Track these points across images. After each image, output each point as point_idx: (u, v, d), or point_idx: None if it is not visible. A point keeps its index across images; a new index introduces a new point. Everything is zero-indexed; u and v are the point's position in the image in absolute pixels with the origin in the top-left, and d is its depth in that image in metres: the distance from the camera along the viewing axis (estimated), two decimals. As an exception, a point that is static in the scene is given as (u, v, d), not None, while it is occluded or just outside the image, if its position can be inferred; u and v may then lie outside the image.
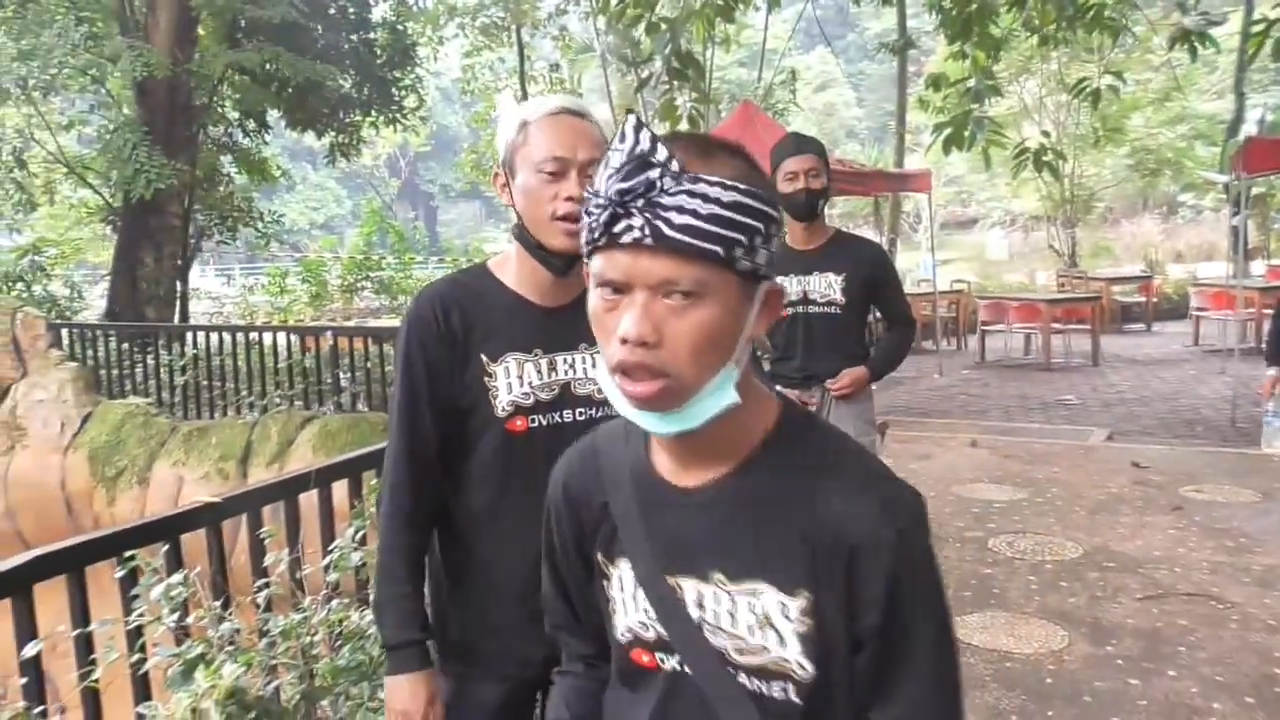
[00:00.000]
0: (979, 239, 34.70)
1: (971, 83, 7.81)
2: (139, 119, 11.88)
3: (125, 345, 10.29)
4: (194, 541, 2.93)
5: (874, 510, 1.09)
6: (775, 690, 1.13)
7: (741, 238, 1.05)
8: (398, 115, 14.54)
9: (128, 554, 2.59)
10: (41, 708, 2.34)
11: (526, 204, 1.86)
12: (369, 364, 8.47)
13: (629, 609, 1.23)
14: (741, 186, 1.05)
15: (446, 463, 1.93)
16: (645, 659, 1.23)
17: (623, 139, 1.07)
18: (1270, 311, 12.75)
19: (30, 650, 2.39)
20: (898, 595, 1.08)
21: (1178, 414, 9.42)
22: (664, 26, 7.58)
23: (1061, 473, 7.25)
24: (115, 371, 10.26)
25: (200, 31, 12.90)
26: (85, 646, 2.55)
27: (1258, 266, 17.63)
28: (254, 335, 9.39)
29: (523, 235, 1.90)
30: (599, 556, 1.27)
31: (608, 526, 1.26)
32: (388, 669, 1.90)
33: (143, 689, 2.64)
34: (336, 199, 52.65)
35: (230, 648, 2.50)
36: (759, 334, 1.12)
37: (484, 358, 1.89)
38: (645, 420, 1.11)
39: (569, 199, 1.81)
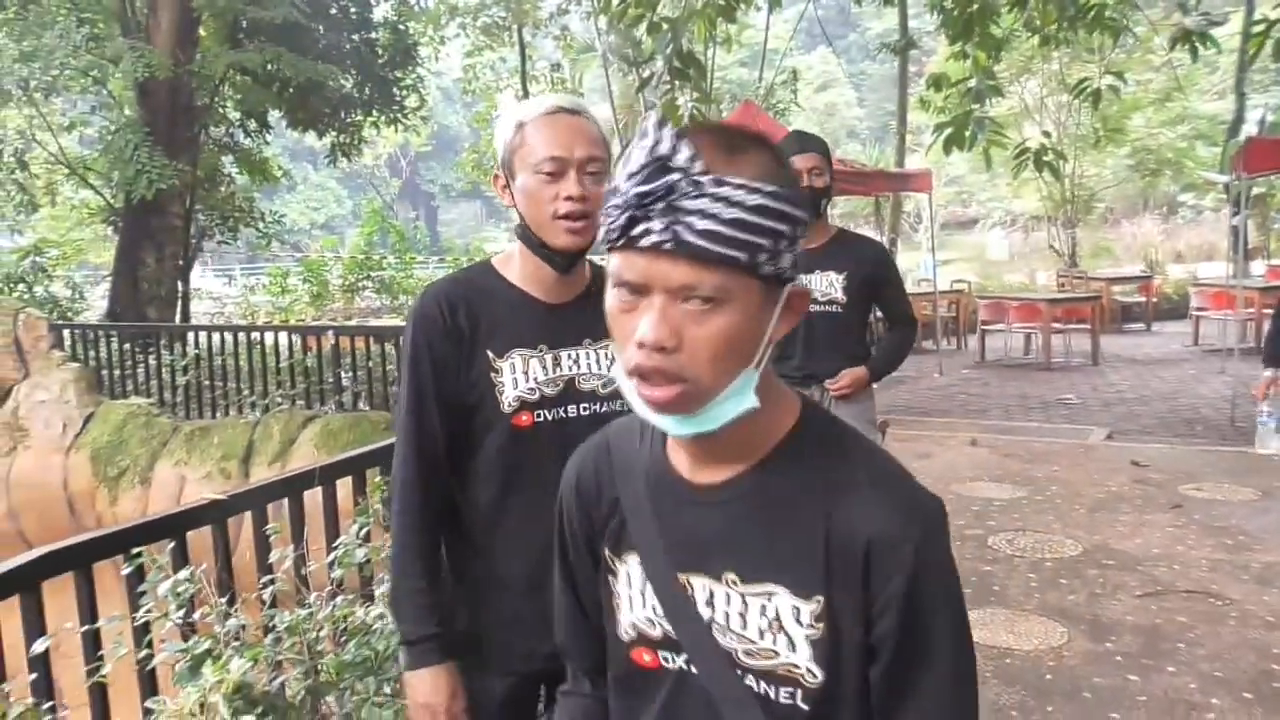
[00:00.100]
0: (979, 239, 34.69)
1: (972, 83, 7.81)
2: (140, 120, 11.91)
3: (127, 346, 10.32)
4: (199, 539, 2.95)
5: (893, 513, 1.07)
6: (783, 695, 1.11)
7: (765, 242, 1.01)
8: (399, 115, 14.56)
9: (134, 551, 2.61)
10: (50, 704, 2.36)
11: (527, 204, 1.88)
12: (370, 363, 8.50)
13: (635, 605, 1.21)
14: (767, 189, 1.01)
15: (453, 459, 1.95)
16: (647, 658, 1.21)
17: (644, 136, 1.03)
18: (1270, 311, 12.83)
19: (39, 647, 2.41)
20: (915, 600, 1.06)
21: (1177, 413, 9.44)
22: (665, 26, 7.59)
23: (1061, 471, 7.27)
24: (117, 372, 10.28)
25: (201, 32, 12.92)
26: (93, 644, 2.57)
27: (1258, 266, 17.64)
28: (255, 335, 9.41)
29: (525, 235, 1.91)
30: (606, 551, 1.26)
31: (616, 521, 1.24)
32: (407, 664, 1.91)
33: (149, 685, 2.66)
34: (337, 199, 52.67)
35: (236, 643, 2.52)
36: (780, 337, 1.09)
37: (490, 354, 1.91)
38: (662, 422, 1.09)
39: (568, 198, 1.83)
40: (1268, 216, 21.04)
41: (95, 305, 14.74)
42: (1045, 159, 8.13)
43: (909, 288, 11.41)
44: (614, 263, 1.06)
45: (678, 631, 1.16)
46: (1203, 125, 24.61)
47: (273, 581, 2.88)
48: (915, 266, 20.69)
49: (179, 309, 13.05)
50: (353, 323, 13.30)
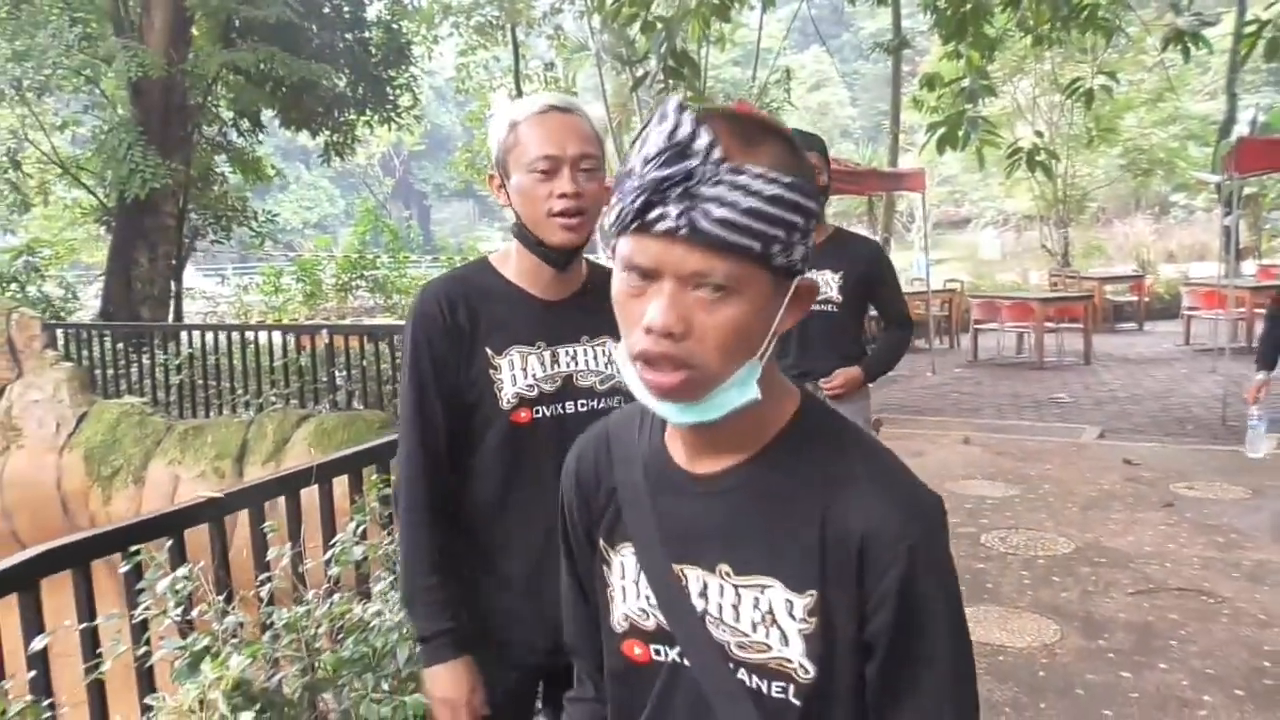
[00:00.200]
0: (972, 238, 34.74)
1: (966, 82, 7.85)
2: (134, 119, 11.90)
3: (120, 345, 10.30)
4: (195, 537, 2.95)
5: (889, 509, 1.06)
6: (775, 690, 1.10)
7: (779, 233, 1.00)
8: (392, 114, 14.54)
9: (133, 549, 2.61)
10: (49, 700, 2.36)
11: (522, 203, 1.90)
12: (364, 362, 8.49)
13: (628, 596, 1.20)
14: (784, 179, 1.00)
15: (453, 457, 1.96)
16: (637, 651, 1.20)
17: (662, 119, 1.01)
18: (1262, 311, 12.86)
19: (38, 644, 2.42)
20: (911, 597, 1.04)
21: (1169, 412, 9.48)
22: (660, 25, 7.61)
23: (1054, 470, 7.30)
24: (110, 371, 10.26)
25: (195, 31, 12.90)
26: (90, 642, 2.57)
27: (1249, 266, 17.68)
28: (249, 334, 9.41)
29: (522, 233, 1.93)
30: (601, 541, 1.25)
31: (613, 510, 1.23)
32: (424, 661, 1.92)
33: (147, 682, 2.67)
34: (330, 198, 52.58)
35: (235, 641, 2.53)
36: (785, 329, 1.09)
37: (489, 351, 1.92)
38: (663, 409, 1.08)
39: (563, 195, 1.85)
40: (1259, 217, 21.10)
41: (88, 305, 14.72)
42: (1038, 159, 8.17)
43: (902, 287, 11.44)
44: (624, 246, 1.04)
45: (671, 623, 1.16)
46: (1194, 125, 24.64)
47: (270, 579, 2.89)
48: (908, 266, 20.69)
49: (172, 308, 13.03)
50: (346, 322, 13.30)
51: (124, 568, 2.64)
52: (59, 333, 10.55)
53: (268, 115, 14.07)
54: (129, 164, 11.17)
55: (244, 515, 3.14)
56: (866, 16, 35.51)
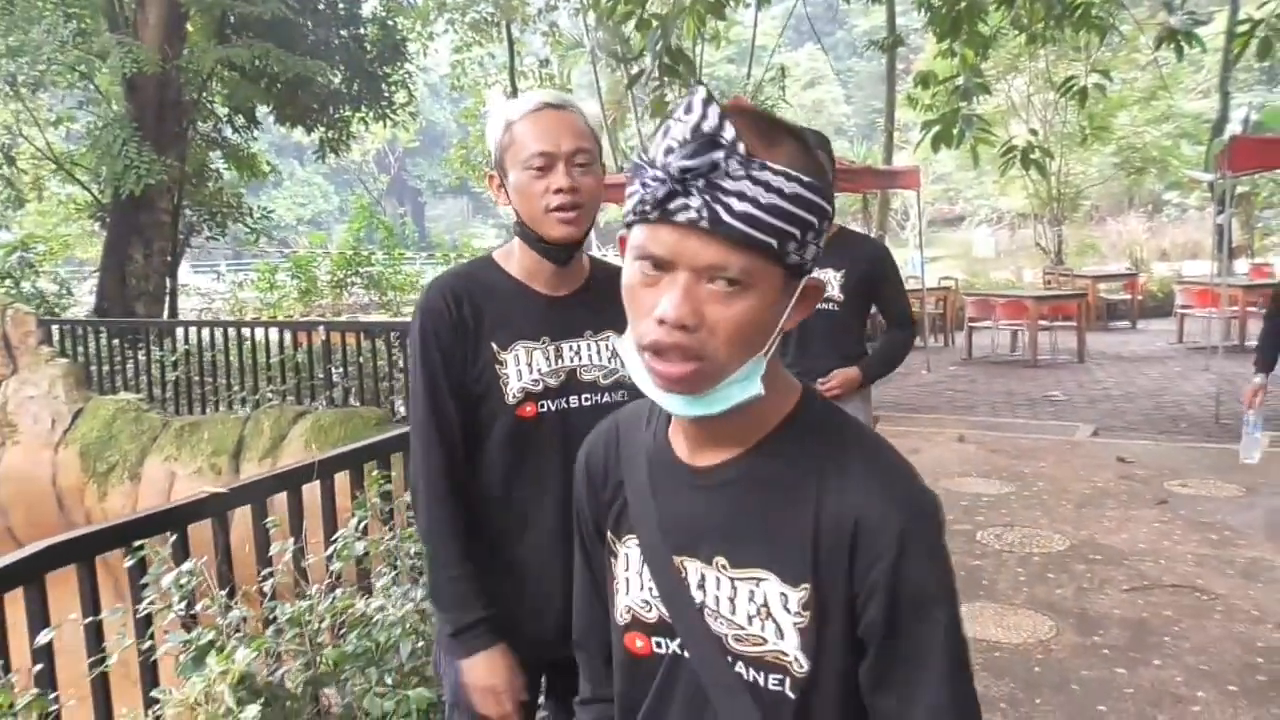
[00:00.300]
0: (966, 236, 34.78)
1: (960, 80, 7.85)
2: (128, 115, 11.89)
3: (115, 341, 10.30)
4: (196, 532, 2.97)
5: (880, 500, 1.06)
6: (771, 682, 1.10)
7: (796, 231, 1.02)
8: (387, 111, 14.55)
9: (136, 543, 2.63)
10: (55, 694, 2.38)
11: (521, 201, 1.92)
12: (361, 359, 8.49)
13: (632, 588, 1.21)
14: (805, 179, 1.02)
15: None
16: (639, 644, 1.21)
17: (688, 111, 1.02)
18: (1254, 309, 12.91)
19: (43, 638, 2.43)
20: (902, 586, 1.04)
21: (1162, 410, 9.51)
22: (655, 23, 7.61)
23: (1048, 467, 7.33)
24: (106, 367, 10.26)
25: (189, 27, 12.90)
26: (95, 636, 2.59)
27: (1241, 264, 17.73)
28: (245, 331, 9.40)
29: (523, 231, 1.96)
30: (609, 533, 1.27)
31: (620, 503, 1.24)
32: (459, 653, 1.91)
33: (150, 677, 2.69)
34: (323, 194, 52.54)
35: (238, 635, 2.55)
36: (791, 327, 1.10)
37: (494, 346, 1.94)
38: (667, 401, 1.08)
39: (559, 190, 1.87)
40: (1252, 215, 21.18)
41: (83, 301, 14.70)
42: (1032, 157, 8.18)
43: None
44: (639, 235, 1.05)
45: (671, 614, 1.16)
46: (1187, 124, 24.72)
47: (272, 574, 2.91)
48: (903, 264, 20.58)
49: (167, 305, 13.02)
50: (343, 319, 13.30)
51: (128, 562, 2.65)
52: (54, 328, 10.55)
53: (263, 111, 14.06)
54: (124, 160, 11.15)
55: (244, 510, 3.15)
56: (861, 14, 35.59)
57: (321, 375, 8.68)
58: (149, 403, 9.42)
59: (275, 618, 2.72)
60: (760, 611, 1.10)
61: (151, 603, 2.57)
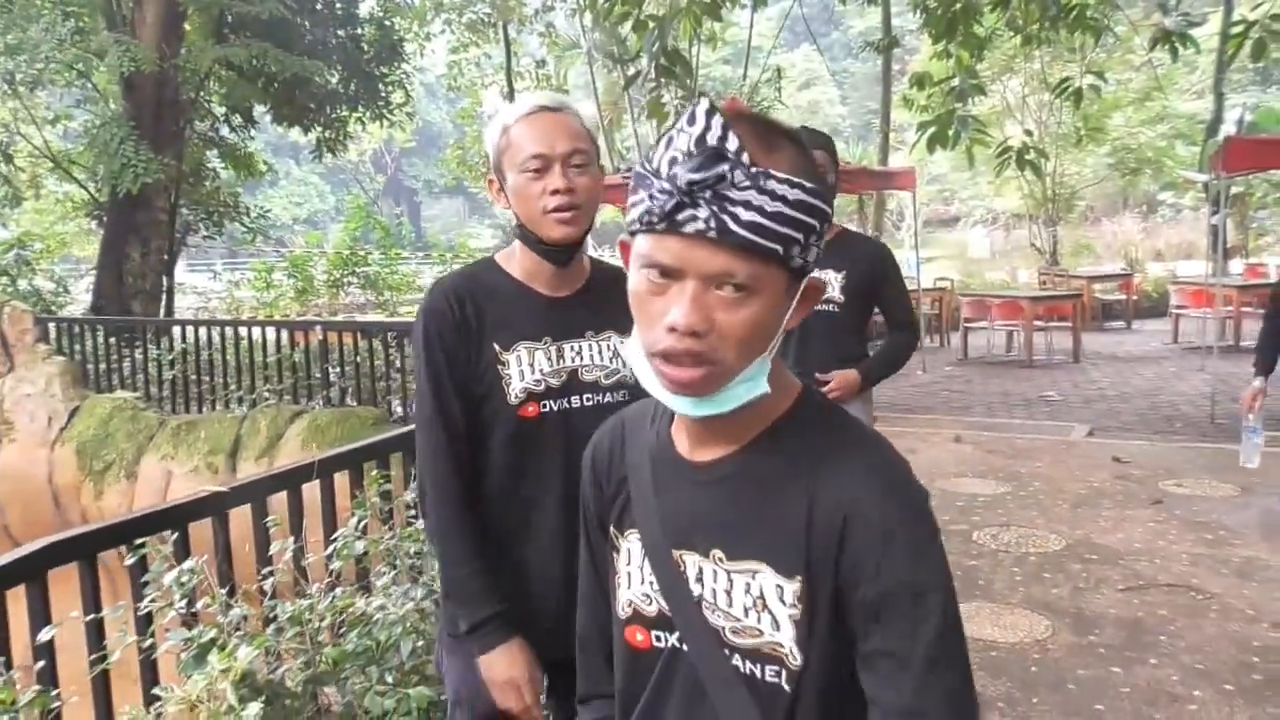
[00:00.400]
0: (961, 237, 34.82)
1: (955, 81, 7.89)
2: (126, 114, 11.88)
3: (112, 340, 10.29)
4: (196, 531, 2.98)
5: (871, 493, 1.07)
6: (769, 674, 1.11)
7: (799, 236, 1.04)
8: (384, 111, 14.56)
9: (138, 541, 2.64)
10: (56, 690, 2.39)
11: (519, 203, 1.94)
12: (358, 359, 8.49)
13: (633, 581, 1.23)
14: (807, 185, 1.04)
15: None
16: (639, 638, 1.22)
17: (691, 122, 1.04)
18: (1249, 309, 12.94)
19: (45, 635, 2.44)
20: (888, 579, 1.04)
21: (1158, 410, 9.53)
22: (651, 24, 7.62)
23: (1044, 467, 7.35)
24: (102, 366, 10.26)
25: (187, 27, 12.89)
26: (96, 633, 2.60)
27: (1236, 265, 17.78)
28: (242, 330, 9.40)
29: (523, 233, 1.98)
30: (612, 528, 1.29)
31: (623, 498, 1.27)
32: (476, 650, 1.92)
33: (150, 674, 2.70)
34: (319, 194, 52.46)
35: (239, 633, 2.56)
36: (794, 326, 1.12)
37: (496, 347, 1.96)
38: (677, 403, 1.10)
39: (555, 191, 1.89)
40: (1246, 215, 21.23)
41: (79, 299, 14.69)
42: (1027, 157, 8.22)
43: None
44: (645, 244, 1.07)
45: (671, 607, 1.18)
46: (1182, 124, 24.74)
47: (272, 573, 2.92)
48: (899, 264, 20.70)
49: (163, 303, 13.02)
50: (339, 318, 13.29)
51: (129, 560, 2.66)
52: (51, 326, 10.56)
53: (260, 111, 14.06)
54: (121, 158, 11.15)
55: (243, 509, 3.16)
56: (856, 15, 35.51)
57: (318, 375, 8.67)
58: (145, 401, 9.42)
59: (276, 616, 2.73)
60: (756, 603, 1.12)
61: (153, 600, 2.58)
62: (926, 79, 9.03)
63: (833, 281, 3.79)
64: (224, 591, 2.71)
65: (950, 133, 7.45)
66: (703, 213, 1.02)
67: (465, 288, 1.99)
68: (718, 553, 1.15)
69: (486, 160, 2.04)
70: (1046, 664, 4.13)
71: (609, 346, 2.01)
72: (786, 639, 1.10)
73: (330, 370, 8.61)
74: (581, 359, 2.00)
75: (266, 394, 8.82)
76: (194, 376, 9.53)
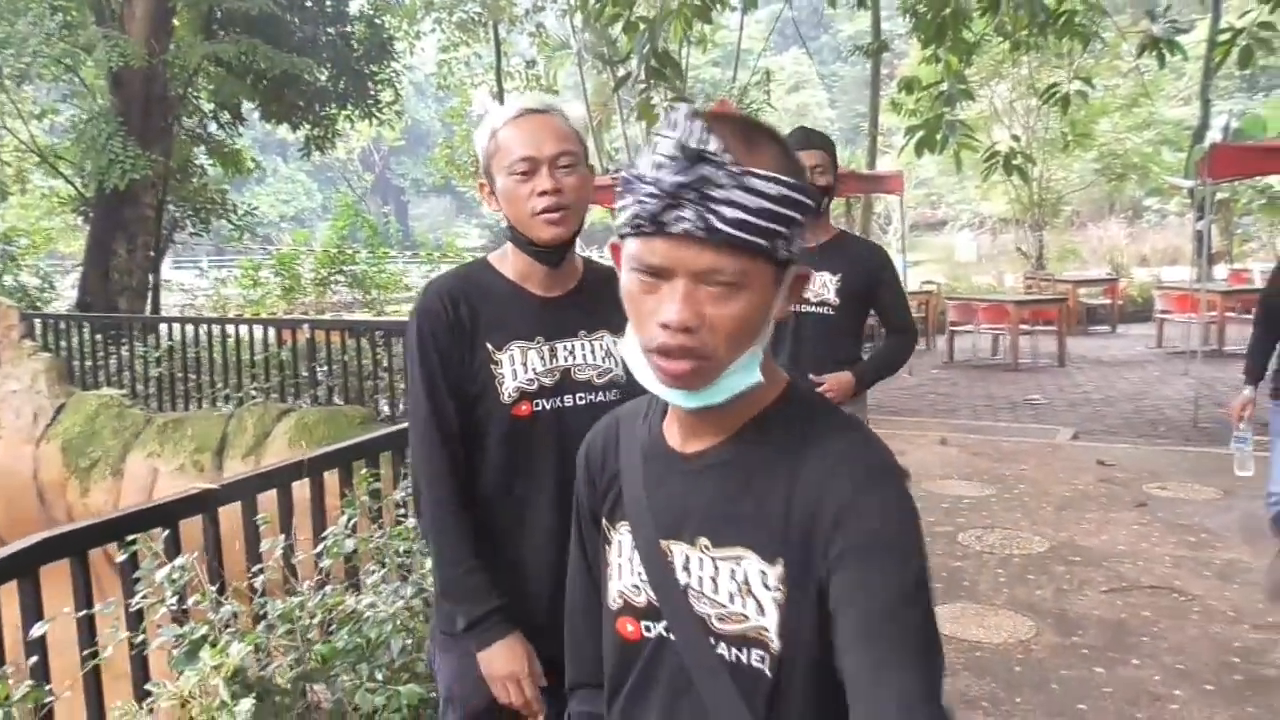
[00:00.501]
0: (948, 241, 34.90)
1: (944, 86, 7.91)
2: (114, 109, 11.84)
3: (98, 336, 10.24)
4: (186, 528, 2.98)
5: (847, 473, 1.09)
6: (753, 659, 1.13)
7: (783, 230, 1.08)
8: (373, 109, 14.54)
9: (129, 538, 2.65)
10: (49, 686, 2.39)
11: (509, 206, 1.96)
12: (345, 357, 8.47)
13: (623, 573, 1.26)
14: (789, 181, 1.08)
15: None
16: (629, 628, 1.25)
17: (673, 127, 1.06)
18: (1233, 314, 13.02)
19: (37, 631, 2.44)
20: (865, 559, 1.04)
21: (1142, 414, 9.59)
22: (642, 26, 7.63)
23: (1029, 470, 7.40)
24: (88, 363, 10.22)
25: (176, 22, 12.86)
26: (88, 629, 2.60)
27: (1220, 270, 17.87)
28: (229, 328, 9.37)
29: (514, 235, 2.00)
30: (604, 521, 1.32)
31: (615, 491, 1.30)
32: (475, 646, 1.94)
33: (141, 670, 2.71)
34: (307, 192, 52.28)
35: (230, 630, 2.57)
36: (781, 316, 1.16)
37: (490, 346, 1.98)
38: (673, 396, 1.14)
39: (543, 193, 1.91)
40: (1231, 221, 21.32)
41: (65, 295, 14.63)
42: (1014, 162, 8.25)
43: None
44: (635, 247, 1.10)
45: (658, 597, 1.20)
46: (1168, 131, 24.85)
47: (262, 570, 2.93)
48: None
49: (150, 300, 12.97)
50: (326, 317, 13.26)
51: (121, 557, 2.67)
52: (36, 323, 10.51)
53: (248, 108, 14.02)
54: (108, 154, 11.11)
55: (233, 507, 3.16)
56: (845, 19, 35.62)
57: (306, 373, 8.66)
58: (132, 398, 9.39)
59: (266, 614, 2.74)
60: (741, 589, 1.14)
61: (144, 597, 2.59)
62: (915, 83, 9.07)
63: (828, 284, 3.75)
64: (214, 589, 2.72)
65: (938, 137, 7.47)
66: (688, 213, 1.05)
67: (459, 288, 2.01)
68: (704, 540, 1.17)
69: (475, 160, 2.06)
70: (1030, 664, 4.16)
71: (602, 346, 2.03)
72: (770, 623, 1.12)
73: (317, 369, 8.59)
74: (574, 358, 2.02)
75: (253, 392, 8.79)
76: (180, 374, 9.49)
